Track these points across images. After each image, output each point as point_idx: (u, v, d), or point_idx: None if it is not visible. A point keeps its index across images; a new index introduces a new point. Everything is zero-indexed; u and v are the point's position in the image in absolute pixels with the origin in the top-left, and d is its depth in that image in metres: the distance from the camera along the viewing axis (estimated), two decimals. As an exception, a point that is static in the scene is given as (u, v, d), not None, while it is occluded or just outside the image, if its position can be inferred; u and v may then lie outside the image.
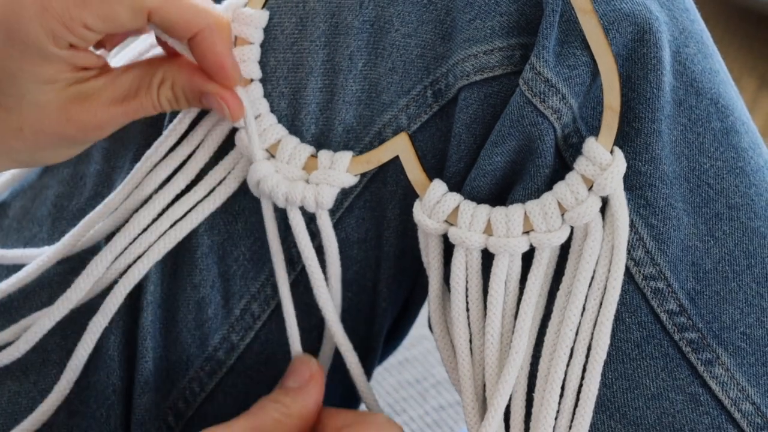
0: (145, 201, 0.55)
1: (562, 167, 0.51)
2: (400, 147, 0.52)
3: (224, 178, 0.55)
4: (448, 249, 0.53)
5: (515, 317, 0.51)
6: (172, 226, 0.55)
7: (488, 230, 0.51)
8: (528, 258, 0.51)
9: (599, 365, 0.49)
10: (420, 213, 0.52)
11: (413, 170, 0.52)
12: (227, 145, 0.55)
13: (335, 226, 0.55)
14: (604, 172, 0.49)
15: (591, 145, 0.49)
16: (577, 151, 0.50)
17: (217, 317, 0.57)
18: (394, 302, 0.59)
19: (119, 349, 0.57)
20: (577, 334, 0.50)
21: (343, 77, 0.53)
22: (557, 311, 0.50)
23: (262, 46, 0.53)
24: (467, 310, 0.52)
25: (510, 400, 0.51)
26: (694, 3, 0.53)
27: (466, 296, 0.52)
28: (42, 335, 0.56)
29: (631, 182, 0.50)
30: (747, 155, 0.52)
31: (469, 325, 0.52)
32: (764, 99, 1.55)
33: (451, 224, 0.51)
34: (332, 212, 0.55)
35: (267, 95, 0.54)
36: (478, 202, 0.51)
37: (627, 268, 0.50)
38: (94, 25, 0.48)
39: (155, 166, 0.55)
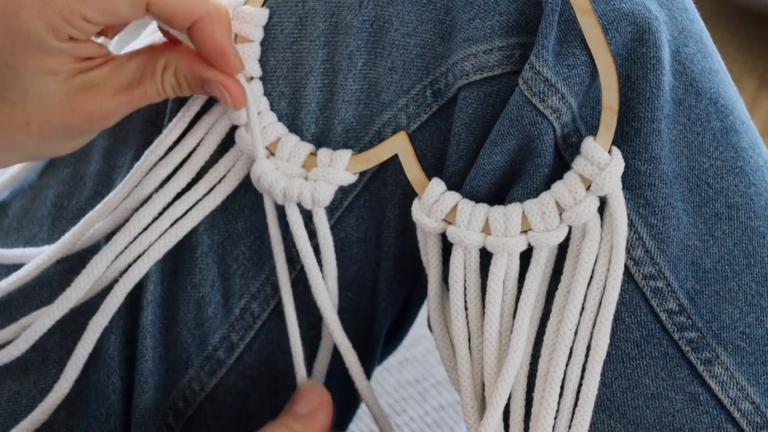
0: (146, 200, 0.55)
1: (561, 167, 0.51)
2: (398, 146, 0.53)
3: (224, 176, 0.55)
4: (447, 248, 0.53)
5: (514, 316, 0.51)
6: (172, 224, 0.55)
7: (486, 229, 0.51)
8: (526, 257, 0.51)
9: (599, 365, 0.49)
10: (418, 212, 0.52)
11: (412, 169, 0.52)
12: (227, 142, 0.55)
13: (335, 226, 0.55)
14: (602, 172, 0.49)
15: (589, 144, 0.49)
16: (576, 150, 0.50)
17: (216, 316, 0.57)
18: (394, 302, 0.59)
19: (119, 348, 0.57)
20: (576, 333, 0.50)
21: (343, 77, 0.53)
22: (556, 311, 0.50)
23: (262, 45, 0.53)
24: (466, 309, 0.52)
25: (510, 399, 0.51)
26: (694, 3, 0.53)
27: (465, 295, 0.52)
28: (42, 334, 0.56)
29: (630, 182, 0.50)
30: (746, 155, 0.52)
31: (467, 324, 0.52)
32: (764, 99, 1.55)
33: (450, 223, 0.51)
34: (332, 211, 0.55)
35: (267, 94, 0.54)
36: (478, 202, 0.51)
37: (626, 268, 0.50)
38: (94, 17, 0.48)
39: (155, 164, 0.55)
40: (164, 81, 0.51)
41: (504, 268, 0.51)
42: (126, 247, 0.55)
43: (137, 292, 0.56)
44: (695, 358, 0.50)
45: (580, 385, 0.50)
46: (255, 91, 0.53)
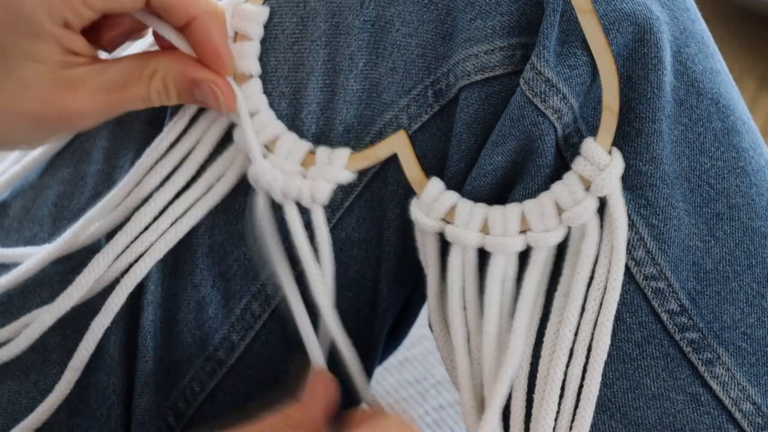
0: (146, 198, 0.55)
1: (562, 167, 0.51)
2: (397, 144, 0.52)
3: (223, 174, 0.55)
4: (445, 248, 0.53)
5: (512, 316, 0.51)
6: (173, 224, 0.55)
7: (485, 229, 0.51)
8: (525, 258, 0.51)
9: (600, 366, 0.49)
10: (417, 211, 0.52)
11: (411, 168, 0.52)
12: (226, 140, 0.55)
13: (336, 226, 0.55)
14: (601, 173, 0.49)
15: (589, 145, 0.49)
16: (577, 151, 0.50)
17: (217, 317, 0.57)
18: (395, 302, 0.59)
19: (120, 348, 0.57)
20: (577, 334, 0.50)
21: (344, 77, 0.53)
22: (556, 312, 0.50)
23: (262, 45, 0.53)
24: (464, 308, 0.52)
25: (510, 400, 0.51)
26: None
27: (463, 295, 0.52)
28: (42, 332, 0.56)
29: (631, 182, 0.50)
30: (748, 155, 0.52)
31: (466, 324, 0.52)
32: (764, 99, 1.55)
33: (448, 222, 0.51)
34: (333, 212, 0.55)
35: (267, 95, 0.54)
36: (479, 202, 0.51)
37: (628, 268, 0.50)
38: (94, 2, 0.48)
39: (156, 162, 0.55)
40: (151, 87, 0.51)
41: (502, 268, 0.51)
42: (127, 247, 0.55)
43: (138, 292, 0.56)
44: (696, 358, 0.50)
45: (581, 386, 0.50)
46: (253, 90, 0.53)
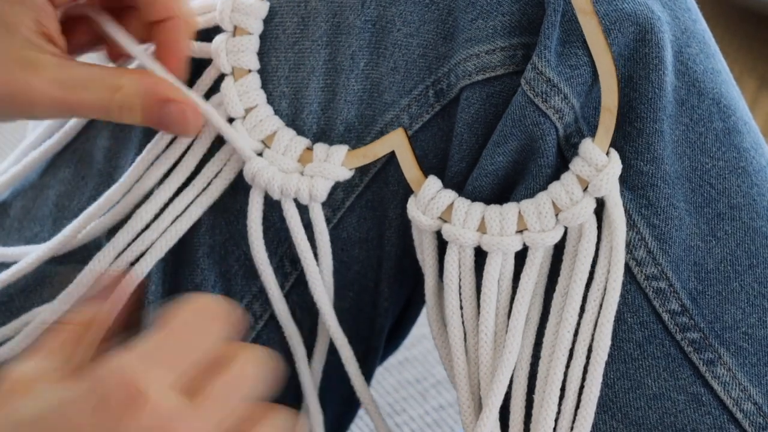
0: (146, 195, 0.55)
1: (563, 167, 0.51)
2: (396, 142, 0.52)
3: (221, 170, 0.55)
4: (443, 246, 0.52)
5: (509, 316, 0.51)
6: (173, 222, 0.55)
7: (482, 228, 0.50)
8: (522, 257, 0.51)
9: (600, 366, 0.49)
10: (414, 209, 0.52)
11: (409, 166, 0.52)
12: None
13: (337, 226, 0.55)
14: (599, 174, 0.49)
15: (587, 146, 0.49)
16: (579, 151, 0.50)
17: (218, 317, 0.57)
18: (396, 302, 0.59)
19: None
20: (577, 335, 0.50)
21: (345, 77, 0.53)
22: (554, 312, 0.50)
23: (263, 45, 0.53)
24: (461, 308, 0.52)
25: (510, 400, 0.51)
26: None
27: (460, 294, 0.52)
28: (43, 331, 0.55)
29: (632, 182, 0.50)
30: (749, 155, 0.52)
31: (463, 323, 0.52)
32: (764, 99, 1.55)
33: (446, 221, 0.51)
34: (334, 211, 0.55)
35: (268, 95, 0.54)
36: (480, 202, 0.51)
37: (629, 268, 0.50)
38: None
39: (156, 159, 0.55)
40: (114, 98, 0.50)
41: (499, 267, 0.51)
42: (128, 245, 0.55)
43: (138, 292, 0.56)
44: (698, 358, 0.50)
45: (582, 386, 0.50)
46: (252, 85, 0.53)
